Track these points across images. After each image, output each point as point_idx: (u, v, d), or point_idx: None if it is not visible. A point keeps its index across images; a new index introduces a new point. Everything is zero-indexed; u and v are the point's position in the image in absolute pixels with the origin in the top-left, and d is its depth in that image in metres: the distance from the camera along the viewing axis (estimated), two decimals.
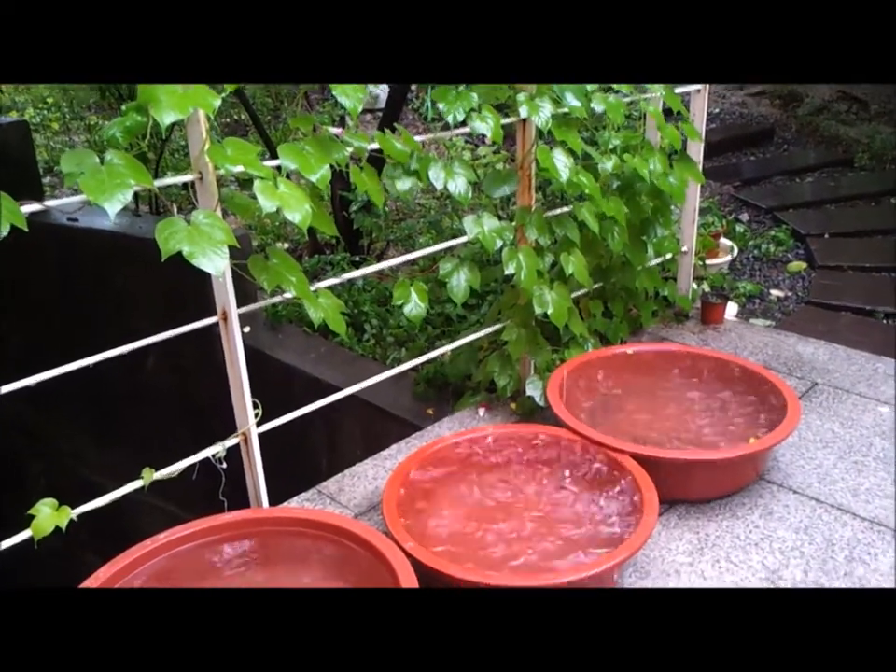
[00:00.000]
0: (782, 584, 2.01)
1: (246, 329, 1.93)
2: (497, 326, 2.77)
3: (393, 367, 3.42)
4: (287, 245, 4.98)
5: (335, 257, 4.21)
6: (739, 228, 4.76)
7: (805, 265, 4.38)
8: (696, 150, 3.27)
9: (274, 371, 3.45)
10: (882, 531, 2.19)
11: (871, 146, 5.95)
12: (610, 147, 2.83)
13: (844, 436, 2.63)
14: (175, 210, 1.75)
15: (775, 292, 4.07)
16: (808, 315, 3.77)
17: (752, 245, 4.61)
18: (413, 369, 3.04)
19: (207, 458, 1.96)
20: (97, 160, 1.59)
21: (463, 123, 2.35)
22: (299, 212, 1.80)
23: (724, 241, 4.24)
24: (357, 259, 4.26)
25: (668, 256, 3.38)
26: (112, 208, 1.56)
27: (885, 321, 3.71)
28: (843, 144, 6.22)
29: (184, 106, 1.60)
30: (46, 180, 6.32)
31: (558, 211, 2.77)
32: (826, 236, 4.66)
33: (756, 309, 3.88)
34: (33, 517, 1.68)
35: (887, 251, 4.46)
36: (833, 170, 5.89)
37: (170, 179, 1.82)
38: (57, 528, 1.68)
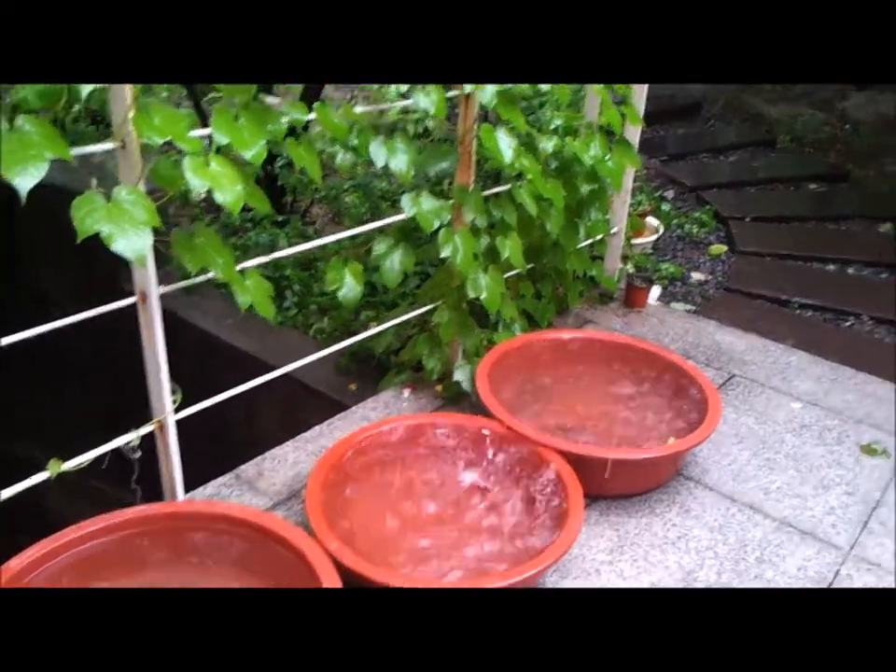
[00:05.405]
0: (697, 585, 2.06)
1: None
2: (428, 307, 2.70)
3: (315, 337, 3.34)
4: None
5: (256, 214, 4.03)
6: (665, 206, 4.78)
7: (725, 248, 4.45)
8: (634, 133, 3.26)
9: (190, 337, 3.29)
10: (790, 532, 2.27)
11: (793, 127, 6.04)
12: (552, 127, 2.78)
13: (758, 431, 2.70)
14: (94, 183, 1.61)
15: (696, 275, 4.12)
16: (727, 302, 3.84)
17: (676, 223, 4.65)
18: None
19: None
20: (6, 125, 1.43)
21: (404, 95, 2.23)
22: (231, 193, 1.69)
23: (651, 219, 4.26)
24: (280, 219, 4.08)
25: (598, 237, 3.37)
26: (24, 184, 1.41)
27: (797, 311, 3.81)
28: (766, 123, 6.29)
29: None
30: None
31: (496, 190, 2.70)
32: (747, 220, 4.73)
33: (677, 292, 3.92)
34: None
35: (803, 239, 4.57)
36: (756, 150, 5.96)
37: (88, 148, 1.65)
38: None
